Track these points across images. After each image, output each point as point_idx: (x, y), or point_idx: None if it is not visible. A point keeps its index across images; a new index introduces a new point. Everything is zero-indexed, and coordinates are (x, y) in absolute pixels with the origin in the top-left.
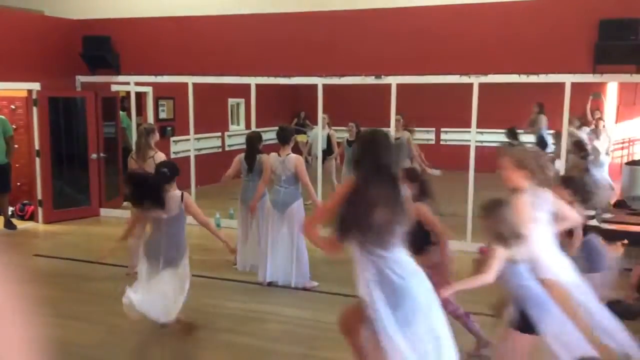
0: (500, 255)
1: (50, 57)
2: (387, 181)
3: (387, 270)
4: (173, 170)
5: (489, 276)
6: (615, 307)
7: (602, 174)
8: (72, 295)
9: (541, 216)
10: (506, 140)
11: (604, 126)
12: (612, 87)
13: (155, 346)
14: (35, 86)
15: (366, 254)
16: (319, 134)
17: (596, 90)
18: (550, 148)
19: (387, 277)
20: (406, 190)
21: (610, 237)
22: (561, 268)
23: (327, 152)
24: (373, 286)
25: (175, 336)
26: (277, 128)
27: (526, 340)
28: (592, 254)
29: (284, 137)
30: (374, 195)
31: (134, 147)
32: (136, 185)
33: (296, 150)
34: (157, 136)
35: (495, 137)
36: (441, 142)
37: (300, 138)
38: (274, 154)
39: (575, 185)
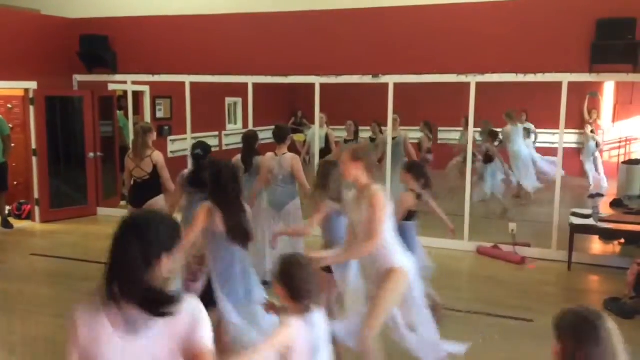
0: (329, 207)
1: (47, 56)
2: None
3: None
4: (206, 150)
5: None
6: (612, 305)
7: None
8: (69, 295)
9: (389, 208)
10: (421, 132)
11: (592, 131)
12: (609, 86)
13: None
14: (32, 85)
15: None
16: (316, 133)
17: (593, 90)
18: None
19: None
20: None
21: (607, 236)
22: (407, 258)
23: (325, 151)
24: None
25: None
26: (274, 127)
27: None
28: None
29: (280, 136)
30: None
31: (130, 146)
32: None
33: (294, 149)
34: (154, 135)
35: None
36: (439, 142)
37: (298, 137)
38: (270, 154)
39: (417, 171)
